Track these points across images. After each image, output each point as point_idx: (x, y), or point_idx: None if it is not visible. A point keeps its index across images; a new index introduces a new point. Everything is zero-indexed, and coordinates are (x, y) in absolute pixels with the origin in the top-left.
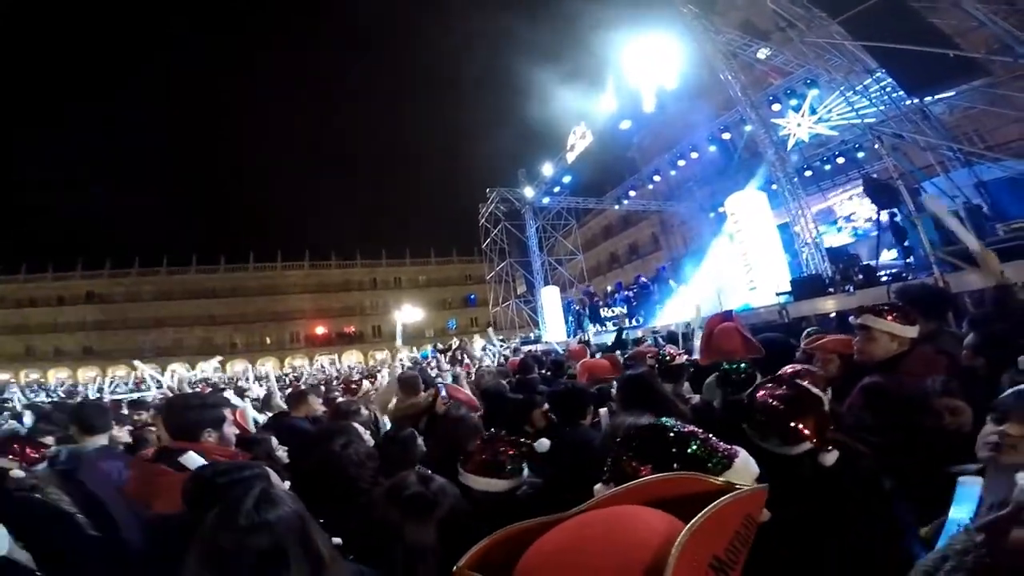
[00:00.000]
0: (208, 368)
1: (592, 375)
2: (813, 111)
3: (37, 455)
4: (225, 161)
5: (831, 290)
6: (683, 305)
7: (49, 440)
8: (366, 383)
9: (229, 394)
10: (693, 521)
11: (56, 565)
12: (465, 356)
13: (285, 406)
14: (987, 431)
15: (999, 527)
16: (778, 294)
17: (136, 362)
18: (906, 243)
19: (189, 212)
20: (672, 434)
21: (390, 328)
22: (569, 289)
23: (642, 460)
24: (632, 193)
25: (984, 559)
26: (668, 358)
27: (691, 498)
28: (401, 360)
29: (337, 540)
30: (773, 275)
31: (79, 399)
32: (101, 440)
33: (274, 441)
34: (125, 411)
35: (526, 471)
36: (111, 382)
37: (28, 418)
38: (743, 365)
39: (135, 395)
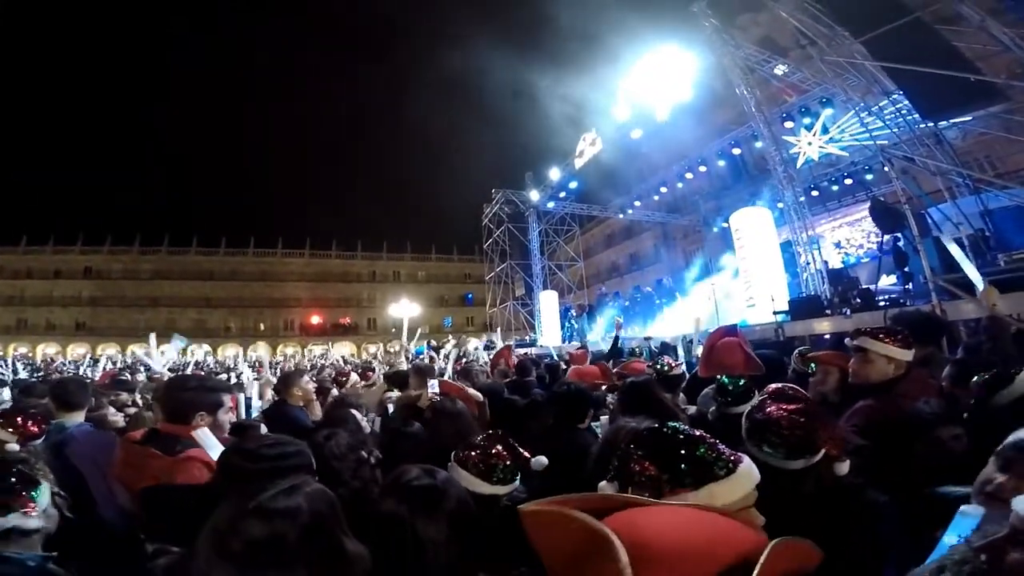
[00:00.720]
0: (199, 352)
1: (582, 381)
2: (825, 130)
3: (36, 430)
4: (232, 145)
5: (828, 312)
6: (680, 317)
7: None
8: (354, 376)
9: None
10: (782, 539)
11: None
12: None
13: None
14: (987, 475)
15: (997, 547)
16: (775, 313)
17: (133, 348)
18: (906, 268)
19: (193, 193)
20: (681, 436)
21: (385, 321)
22: (567, 295)
23: (650, 460)
24: (637, 203)
25: (981, 570)
26: (667, 368)
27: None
28: (408, 354)
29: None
30: (772, 293)
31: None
32: (78, 417)
33: (263, 429)
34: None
35: (516, 483)
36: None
37: (6, 393)
38: (741, 381)
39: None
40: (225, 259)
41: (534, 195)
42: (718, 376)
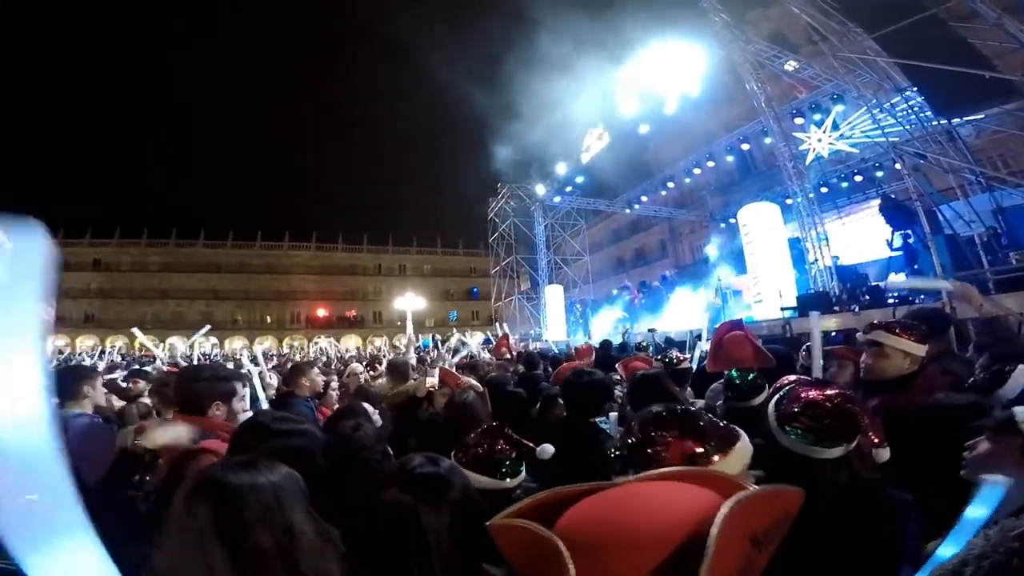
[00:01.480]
0: (207, 345)
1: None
2: (836, 127)
3: None
4: (239, 140)
5: (836, 308)
6: (686, 312)
7: None
8: (358, 365)
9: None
10: (742, 493)
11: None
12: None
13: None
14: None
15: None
16: (783, 309)
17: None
18: (916, 265)
19: (201, 187)
20: (692, 412)
21: (391, 314)
22: (573, 289)
23: (682, 437)
24: (644, 198)
25: (1007, 563)
26: (675, 361)
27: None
28: (414, 347)
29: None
30: (780, 289)
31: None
32: (75, 407)
33: None
34: (123, 382)
35: (523, 474)
36: (110, 351)
37: None
38: (750, 375)
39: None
40: (232, 252)
41: (540, 189)
42: (726, 371)
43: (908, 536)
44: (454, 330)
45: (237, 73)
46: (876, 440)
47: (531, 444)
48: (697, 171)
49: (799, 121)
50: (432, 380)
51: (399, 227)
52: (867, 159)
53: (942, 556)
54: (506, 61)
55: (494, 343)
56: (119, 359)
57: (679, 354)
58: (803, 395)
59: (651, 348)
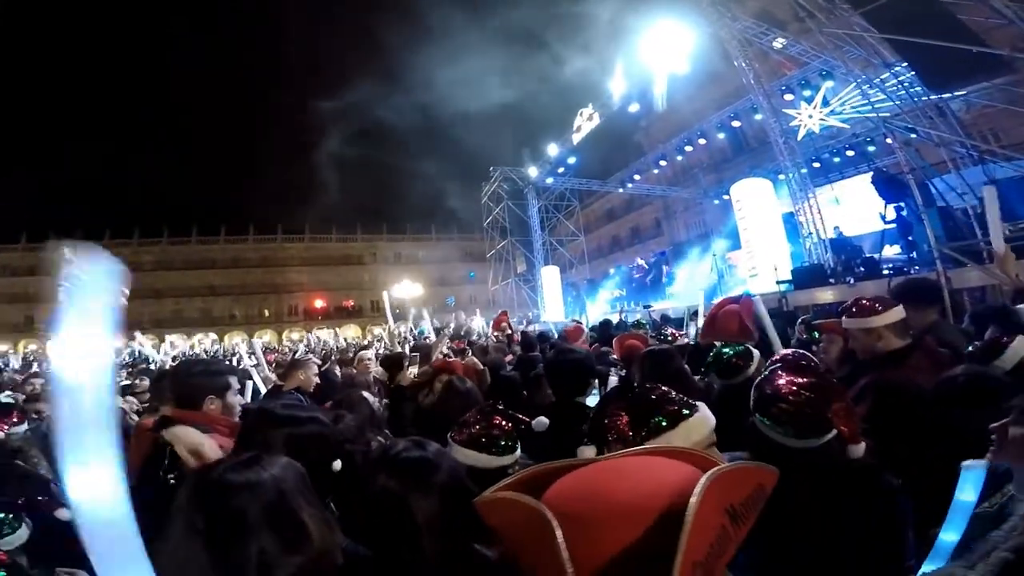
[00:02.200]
0: (207, 341)
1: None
2: (826, 103)
3: (18, 419)
4: (225, 132)
5: (832, 281)
6: (683, 289)
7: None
8: (367, 353)
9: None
10: (719, 467)
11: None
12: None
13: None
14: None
15: None
16: (779, 282)
17: (138, 334)
18: (910, 238)
19: (191, 182)
20: (646, 388)
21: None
22: (569, 270)
23: (627, 413)
24: (637, 177)
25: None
26: (670, 338)
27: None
28: (400, 335)
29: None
30: (775, 263)
31: None
32: None
33: None
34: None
35: (519, 451)
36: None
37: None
38: (738, 348)
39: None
40: (226, 247)
41: (532, 171)
42: (715, 345)
43: (895, 522)
44: (453, 315)
45: (225, 68)
46: (847, 433)
47: (526, 419)
48: (689, 149)
49: (789, 98)
50: (414, 370)
51: (393, 215)
52: (858, 134)
53: (945, 542)
54: (493, 43)
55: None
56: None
57: (674, 331)
58: (777, 383)
59: (648, 325)
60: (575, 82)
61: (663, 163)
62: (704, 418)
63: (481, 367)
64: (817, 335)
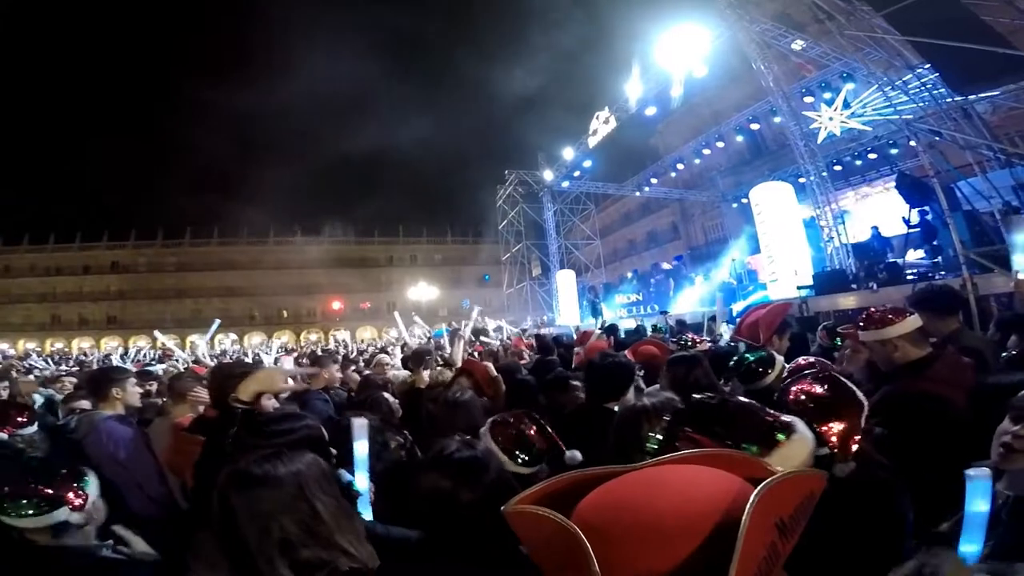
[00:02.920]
0: (226, 342)
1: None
2: (847, 105)
3: (24, 419)
4: (246, 137)
5: (854, 286)
6: (700, 295)
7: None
8: (385, 356)
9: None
10: (770, 480)
11: None
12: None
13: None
14: (1003, 429)
15: None
16: (799, 288)
17: (156, 332)
18: (935, 242)
19: (212, 186)
20: (732, 405)
21: (405, 305)
22: (585, 274)
23: (709, 434)
24: (653, 180)
25: None
26: (690, 344)
27: (748, 478)
28: (417, 338)
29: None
30: (795, 268)
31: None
32: (108, 408)
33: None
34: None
35: (543, 464)
36: (135, 351)
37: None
38: (760, 354)
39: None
40: (246, 248)
41: (548, 175)
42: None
43: (890, 524)
44: (475, 312)
45: (241, 70)
46: (836, 449)
47: (562, 445)
48: (707, 152)
49: (809, 100)
50: (426, 373)
51: (409, 217)
52: (880, 137)
53: (969, 554)
54: (510, 46)
55: (505, 329)
56: (146, 358)
57: (695, 336)
58: (789, 391)
59: (664, 331)
60: (592, 85)
61: (680, 166)
62: (804, 440)
63: (495, 374)
64: (840, 342)
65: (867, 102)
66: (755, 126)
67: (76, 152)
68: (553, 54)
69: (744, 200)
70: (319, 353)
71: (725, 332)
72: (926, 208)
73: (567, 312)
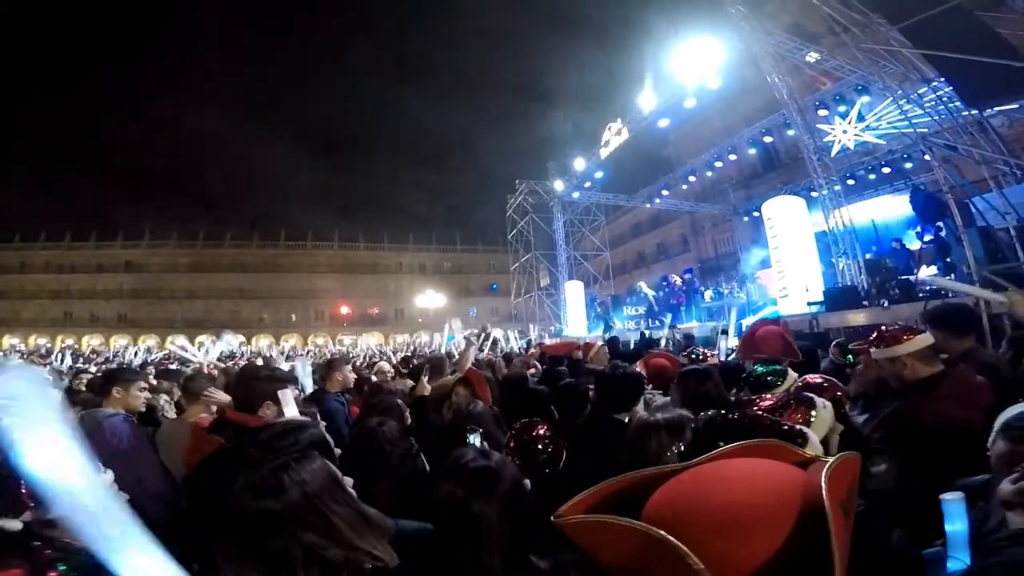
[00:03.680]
0: (234, 343)
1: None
2: (861, 118)
3: None
4: (262, 141)
5: (865, 303)
6: (710, 307)
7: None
8: (385, 364)
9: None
10: (829, 464)
11: None
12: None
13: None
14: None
15: None
16: (810, 303)
17: (173, 338)
18: (948, 259)
19: (227, 188)
20: (749, 420)
21: (412, 311)
22: (593, 285)
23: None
24: (665, 192)
25: None
26: (700, 357)
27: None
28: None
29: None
30: (806, 283)
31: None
32: (110, 406)
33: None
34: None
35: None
36: (147, 351)
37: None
38: (773, 367)
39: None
40: (258, 252)
41: (559, 185)
42: (753, 365)
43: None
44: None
45: (255, 74)
46: None
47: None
48: (719, 164)
49: (823, 113)
50: (425, 379)
51: (419, 225)
52: (895, 150)
53: (955, 569)
54: (526, 58)
55: (513, 337)
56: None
57: (705, 350)
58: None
59: (672, 344)
60: (604, 96)
61: (692, 179)
62: (816, 449)
63: (488, 376)
64: (853, 358)
65: (882, 115)
66: (768, 139)
67: (92, 148)
68: (567, 65)
69: (756, 213)
70: (331, 358)
71: (736, 345)
72: (940, 224)
73: (575, 323)
